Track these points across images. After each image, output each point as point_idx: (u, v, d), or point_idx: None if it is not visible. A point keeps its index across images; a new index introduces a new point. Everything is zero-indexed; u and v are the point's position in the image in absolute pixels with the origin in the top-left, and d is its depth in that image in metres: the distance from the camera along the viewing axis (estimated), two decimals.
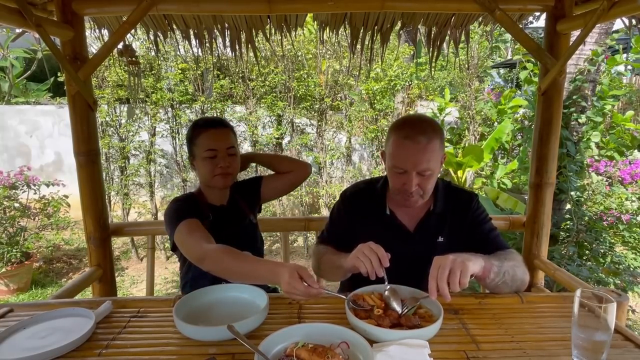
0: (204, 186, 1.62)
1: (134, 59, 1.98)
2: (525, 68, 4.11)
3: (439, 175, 1.42)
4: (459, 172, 5.04)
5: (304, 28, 4.74)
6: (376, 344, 0.98)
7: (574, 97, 3.38)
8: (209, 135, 1.52)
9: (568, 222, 3.31)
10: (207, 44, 2.12)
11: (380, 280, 1.17)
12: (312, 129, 5.37)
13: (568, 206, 3.41)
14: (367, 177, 1.54)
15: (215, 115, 5.07)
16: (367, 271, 1.15)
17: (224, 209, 1.63)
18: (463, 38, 2.12)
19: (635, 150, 4.49)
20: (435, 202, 1.45)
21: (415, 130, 1.29)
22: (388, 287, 1.16)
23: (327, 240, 1.52)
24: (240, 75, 5.12)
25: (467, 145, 5.53)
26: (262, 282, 1.25)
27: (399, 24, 2.06)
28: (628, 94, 6.16)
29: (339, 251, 1.39)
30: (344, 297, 1.14)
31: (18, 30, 1.85)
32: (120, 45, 1.94)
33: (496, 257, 1.24)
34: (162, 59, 4.82)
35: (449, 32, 2.10)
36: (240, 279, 1.25)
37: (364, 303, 1.14)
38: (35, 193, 4.16)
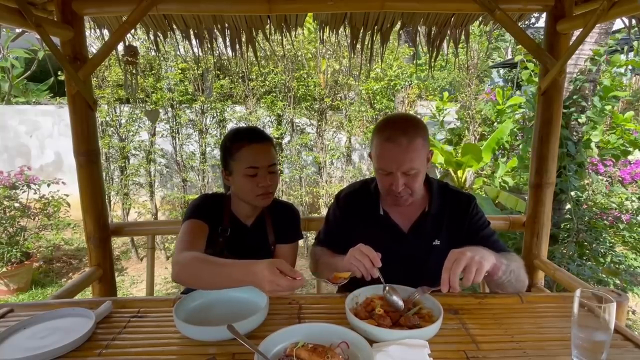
0: (236, 198, 1.50)
1: (133, 59, 1.98)
2: (526, 68, 4.11)
3: (435, 175, 1.43)
4: (459, 172, 5.04)
5: (304, 27, 4.75)
6: (376, 344, 0.98)
7: (574, 97, 3.38)
8: (251, 150, 1.39)
9: (568, 222, 3.31)
10: (207, 44, 2.12)
11: (376, 281, 1.18)
12: (312, 129, 5.37)
13: (568, 206, 3.41)
14: (367, 177, 1.52)
15: (215, 115, 5.07)
16: (361, 274, 1.17)
17: (246, 230, 1.51)
18: (463, 38, 2.12)
19: (636, 150, 4.49)
20: (430, 203, 1.44)
21: (396, 132, 1.30)
22: (386, 286, 1.16)
23: (324, 242, 1.53)
24: (240, 75, 5.13)
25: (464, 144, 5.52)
26: (239, 285, 1.15)
27: (399, 24, 2.06)
28: (630, 95, 6.16)
29: (335, 253, 1.39)
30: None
31: (18, 30, 1.85)
32: (120, 46, 1.94)
33: (504, 257, 1.24)
34: (162, 59, 4.82)
35: (448, 32, 2.10)
36: (215, 286, 1.17)
37: (338, 280, 1.17)
38: (35, 193, 4.16)
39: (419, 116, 5.98)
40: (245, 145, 1.39)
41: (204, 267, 1.18)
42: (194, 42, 2.14)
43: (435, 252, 1.21)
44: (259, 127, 1.53)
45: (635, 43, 3.92)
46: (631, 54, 4.18)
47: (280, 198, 5.36)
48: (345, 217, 1.50)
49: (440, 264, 1.28)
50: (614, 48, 3.83)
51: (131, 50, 1.95)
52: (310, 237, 4.86)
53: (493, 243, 1.39)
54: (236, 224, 1.50)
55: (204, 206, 1.44)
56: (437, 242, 1.42)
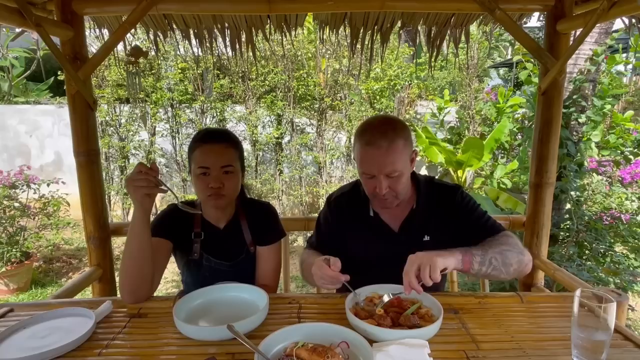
0: (201, 200, 1.48)
1: (137, 59, 1.97)
2: (525, 68, 4.11)
3: (435, 174, 1.43)
4: (459, 172, 5.04)
5: (303, 27, 4.76)
6: (376, 344, 0.98)
7: (574, 97, 3.38)
8: (202, 150, 1.37)
9: (568, 222, 3.31)
10: (207, 44, 2.12)
11: (373, 279, 1.23)
12: (312, 129, 5.37)
13: (568, 206, 3.41)
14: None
15: (215, 115, 5.07)
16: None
17: (220, 233, 1.48)
18: (463, 38, 2.12)
19: (635, 150, 4.49)
20: (417, 199, 1.44)
21: (375, 136, 1.29)
22: (355, 293, 1.19)
23: (315, 245, 1.52)
24: (240, 75, 5.13)
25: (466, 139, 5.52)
26: (145, 231, 1.22)
27: (399, 23, 2.06)
28: (630, 93, 6.16)
29: (322, 254, 1.38)
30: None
31: (18, 30, 1.85)
32: (120, 45, 1.94)
33: (479, 247, 1.23)
34: (162, 58, 4.83)
35: (448, 32, 2.10)
36: (137, 252, 1.22)
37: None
38: (35, 192, 4.15)
39: (418, 116, 5.99)
40: (198, 146, 1.38)
41: (125, 252, 1.24)
42: (193, 42, 2.14)
43: (425, 248, 1.21)
44: (227, 131, 1.55)
45: (632, 40, 3.91)
46: (631, 54, 4.19)
47: (280, 198, 5.40)
48: (337, 220, 1.50)
49: None
50: (613, 48, 3.83)
51: (137, 52, 1.94)
52: None
53: (484, 224, 1.39)
54: (209, 228, 1.47)
55: (165, 220, 1.43)
56: (427, 238, 1.42)
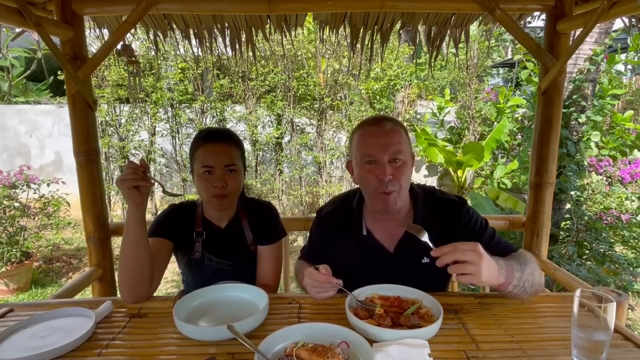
0: (205, 201, 1.48)
1: (133, 58, 1.97)
2: (525, 68, 4.12)
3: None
4: (459, 172, 5.05)
5: (303, 27, 4.76)
6: (376, 344, 0.98)
7: (574, 96, 3.39)
8: (206, 149, 1.37)
9: (568, 222, 3.31)
10: (207, 44, 2.12)
11: (372, 280, 1.21)
12: (312, 129, 5.37)
13: (568, 206, 3.41)
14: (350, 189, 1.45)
15: (215, 114, 5.07)
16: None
17: (221, 232, 1.48)
18: (463, 38, 2.12)
19: (635, 150, 4.50)
20: (415, 215, 1.32)
21: (377, 120, 1.28)
22: (352, 294, 1.17)
23: (307, 257, 1.49)
24: (240, 74, 5.13)
25: (467, 143, 5.54)
26: (139, 228, 1.21)
27: (399, 23, 2.06)
28: (629, 94, 6.17)
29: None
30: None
31: (18, 30, 1.85)
32: (119, 45, 1.94)
33: (518, 265, 1.14)
34: (162, 58, 4.83)
35: (448, 32, 2.10)
36: (133, 249, 1.22)
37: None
38: (35, 192, 4.15)
39: (418, 116, 5.99)
40: (201, 146, 1.38)
41: (121, 251, 1.23)
42: (193, 41, 2.14)
43: (424, 271, 1.12)
44: (229, 131, 1.57)
45: (630, 39, 3.91)
46: (631, 53, 4.19)
47: (280, 198, 5.41)
48: (326, 237, 1.43)
49: (431, 282, 1.23)
50: (613, 47, 3.83)
51: (128, 50, 1.94)
52: None
53: (495, 246, 1.29)
54: (210, 228, 1.47)
55: (165, 221, 1.43)
56: (426, 260, 1.29)
